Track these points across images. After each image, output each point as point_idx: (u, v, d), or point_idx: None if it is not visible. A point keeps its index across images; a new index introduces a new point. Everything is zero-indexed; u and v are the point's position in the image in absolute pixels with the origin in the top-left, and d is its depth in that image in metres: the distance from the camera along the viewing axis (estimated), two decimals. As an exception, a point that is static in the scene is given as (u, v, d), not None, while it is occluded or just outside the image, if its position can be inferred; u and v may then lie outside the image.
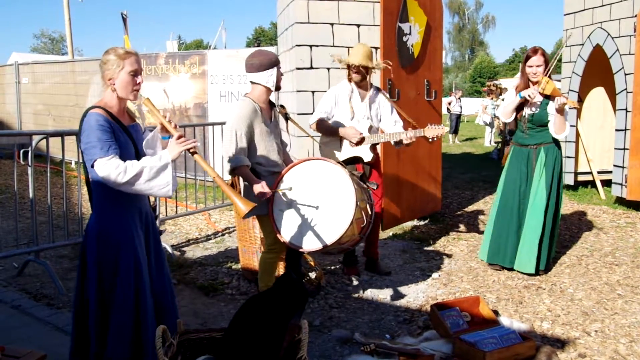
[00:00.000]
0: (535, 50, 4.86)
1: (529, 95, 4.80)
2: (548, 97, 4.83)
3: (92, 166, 2.72)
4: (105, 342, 2.84)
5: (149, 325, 2.89)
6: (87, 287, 2.87)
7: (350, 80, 4.81)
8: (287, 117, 4.30)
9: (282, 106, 4.26)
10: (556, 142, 5.01)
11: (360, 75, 4.72)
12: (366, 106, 4.81)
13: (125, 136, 2.85)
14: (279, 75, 3.97)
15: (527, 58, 4.87)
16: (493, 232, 5.12)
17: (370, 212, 4.06)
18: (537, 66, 4.81)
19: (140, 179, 2.71)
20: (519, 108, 4.94)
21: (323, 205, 3.81)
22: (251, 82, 3.98)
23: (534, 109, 4.90)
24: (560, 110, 4.74)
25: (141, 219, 2.99)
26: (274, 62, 3.93)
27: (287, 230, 3.88)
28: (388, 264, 5.40)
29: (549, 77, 4.84)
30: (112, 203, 2.83)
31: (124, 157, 2.75)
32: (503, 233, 5.06)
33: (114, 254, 2.81)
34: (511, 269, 5.09)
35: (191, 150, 2.84)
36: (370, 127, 4.79)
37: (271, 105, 4.12)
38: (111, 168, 2.67)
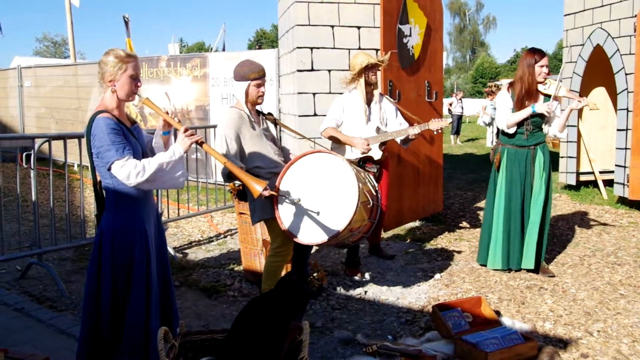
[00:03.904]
0: (542, 53, 4.90)
1: (546, 112, 4.80)
2: (548, 97, 4.88)
3: (109, 169, 2.79)
4: (120, 340, 2.87)
5: (154, 324, 2.93)
6: (101, 287, 2.89)
7: (367, 84, 4.96)
8: (275, 123, 4.34)
9: (269, 113, 4.30)
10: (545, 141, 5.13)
11: (376, 75, 4.98)
12: (373, 111, 5.03)
13: (130, 136, 2.93)
14: (250, 91, 3.98)
15: (536, 61, 4.84)
16: (503, 239, 5.05)
17: (375, 194, 4.05)
18: (547, 65, 4.89)
19: (158, 174, 2.81)
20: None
21: (327, 195, 3.80)
22: None
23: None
24: (570, 110, 4.83)
25: (154, 215, 3.08)
26: (246, 77, 3.95)
27: (297, 228, 3.85)
28: (390, 264, 5.41)
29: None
30: (126, 203, 2.91)
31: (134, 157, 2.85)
32: (512, 237, 5.04)
33: (128, 253, 2.88)
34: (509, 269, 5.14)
35: (199, 142, 2.94)
36: (378, 129, 5.00)
37: (258, 112, 4.16)
38: (130, 168, 2.76)
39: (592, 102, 4.82)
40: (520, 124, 4.95)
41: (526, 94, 4.89)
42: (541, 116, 4.89)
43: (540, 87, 4.89)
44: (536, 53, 4.88)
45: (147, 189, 2.92)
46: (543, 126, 4.99)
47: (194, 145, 2.95)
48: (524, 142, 4.99)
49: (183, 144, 2.89)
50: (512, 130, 4.97)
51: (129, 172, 2.75)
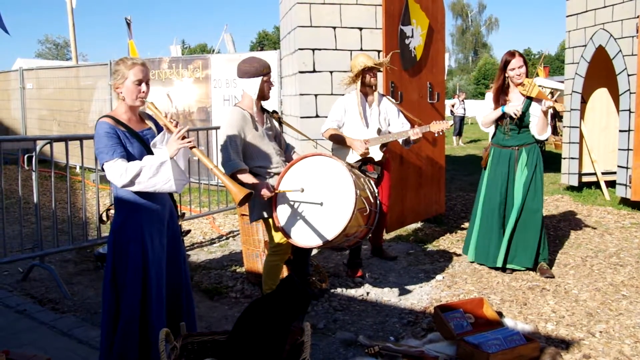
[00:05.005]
0: (512, 54, 4.92)
1: (514, 114, 4.82)
2: (531, 99, 4.88)
3: (102, 170, 2.91)
4: (113, 338, 2.95)
5: (155, 324, 2.97)
6: (106, 283, 3.01)
7: (364, 85, 4.97)
8: (280, 122, 4.35)
9: (274, 112, 4.30)
10: (536, 143, 5.10)
11: (376, 77, 4.97)
12: (373, 112, 5.04)
13: (134, 140, 2.98)
14: (264, 86, 3.99)
15: (507, 62, 4.91)
16: (479, 234, 5.21)
17: (373, 201, 4.05)
18: (519, 67, 4.87)
19: (140, 177, 2.85)
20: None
21: (325, 199, 3.81)
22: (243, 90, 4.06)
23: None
24: (546, 112, 4.78)
25: (160, 219, 3.10)
26: (258, 72, 3.95)
27: (293, 229, 3.87)
28: (392, 265, 5.41)
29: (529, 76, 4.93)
30: (126, 203, 2.99)
31: (132, 161, 2.90)
32: (487, 234, 5.14)
33: (125, 250, 2.96)
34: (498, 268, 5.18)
35: (190, 146, 2.94)
36: (379, 130, 4.99)
37: (263, 111, 4.16)
38: (115, 170, 2.84)
39: (560, 105, 4.81)
40: (499, 124, 5.05)
41: (495, 95, 5.02)
42: (524, 117, 4.92)
43: (520, 89, 4.90)
44: (508, 55, 4.94)
45: (137, 191, 2.93)
46: (530, 127, 4.97)
47: (187, 146, 2.96)
48: (507, 142, 5.05)
49: (170, 148, 2.90)
50: (488, 130, 5.13)
51: (114, 173, 2.85)
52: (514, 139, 5.02)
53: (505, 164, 5.05)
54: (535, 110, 4.87)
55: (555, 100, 4.81)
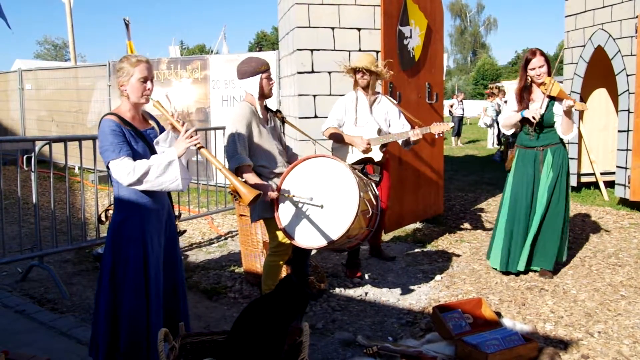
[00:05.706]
0: (534, 52, 4.81)
1: (532, 117, 4.72)
2: (553, 99, 4.78)
3: (108, 168, 2.91)
4: (118, 337, 2.94)
5: (154, 324, 2.98)
6: (101, 281, 2.99)
7: (356, 87, 5.06)
8: (283, 121, 4.35)
9: (278, 111, 4.31)
10: (562, 143, 4.96)
11: (366, 80, 4.96)
12: (374, 112, 5.06)
13: (138, 139, 2.98)
14: (263, 84, 3.99)
15: (528, 61, 4.81)
16: (504, 240, 5.01)
17: (375, 203, 4.05)
18: (540, 67, 4.76)
19: (148, 176, 2.85)
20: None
21: (327, 200, 3.80)
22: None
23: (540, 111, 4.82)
24: (568, 113, 4.68)
25: (159, 218, 3.10)
26: (256, 71, 3.96)
27: (295, 230, 3.86)
28: (390, 266, 5.41)
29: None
30: (126, 202, 2.98)
31: (138, 160, 2.90)
32: (514, 240, 4.98)
33: (125, 250, 2.95)
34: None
35: (197, 146, 2.95)
36: (380, 131, 5.01)
37: (267, 110, 4.16)
38: (122, 168, 2.84)
39: (579, 104, 4.73)
40: (522, 125, 4.97)
41: (518, 94, 4.94)
42: (548, 117, 4.82)
43: (542, 88, 4.81)
44: (529, 54, 4.85)
45: (143, 190, 2.94)
46: (556, 127, 4.86)
47: (193, 148, 2.96)
48: (531, 142, 4.94)
49: (178, 147, 2.91)
50: (508, 132, 5.07)
51: (120, 172, 2.84)
52: (539, 139, 4.89)
53: (530, 166, 4.92)
54: (559, 109, 4.75)
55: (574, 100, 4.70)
